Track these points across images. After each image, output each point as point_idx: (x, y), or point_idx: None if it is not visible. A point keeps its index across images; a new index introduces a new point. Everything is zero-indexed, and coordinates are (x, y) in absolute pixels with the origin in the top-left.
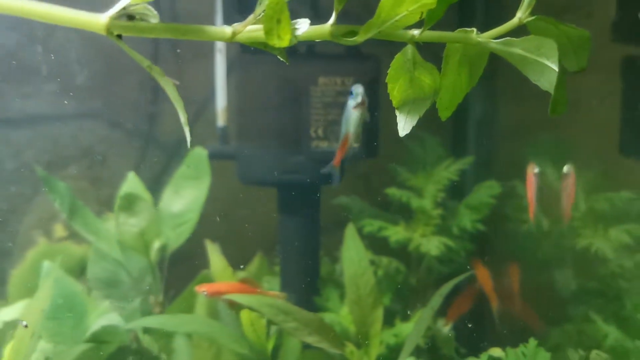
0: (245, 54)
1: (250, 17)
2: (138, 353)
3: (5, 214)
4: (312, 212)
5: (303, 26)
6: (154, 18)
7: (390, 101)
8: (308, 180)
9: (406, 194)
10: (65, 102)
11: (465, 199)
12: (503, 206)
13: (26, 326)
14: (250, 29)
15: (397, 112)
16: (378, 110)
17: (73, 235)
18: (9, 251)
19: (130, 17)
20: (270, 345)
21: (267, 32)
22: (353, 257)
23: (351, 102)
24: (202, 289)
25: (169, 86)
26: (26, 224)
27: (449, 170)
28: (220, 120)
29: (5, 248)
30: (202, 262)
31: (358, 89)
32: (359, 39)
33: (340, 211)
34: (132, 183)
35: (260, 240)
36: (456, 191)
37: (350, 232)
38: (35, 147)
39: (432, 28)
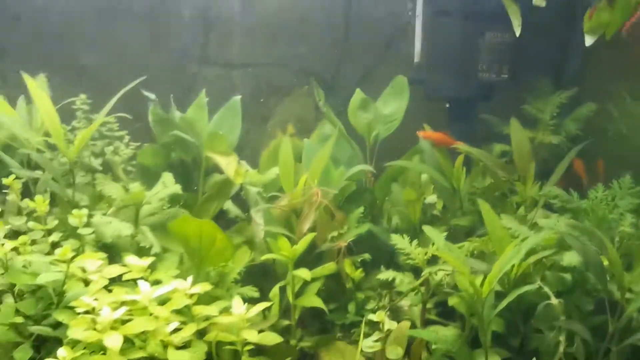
0: (436, 17)
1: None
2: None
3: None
4: (472, 120)
5: None
6: None
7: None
8: (472, 98)
9: (532, 110)
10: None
11: (571, 114)
12: (595, 121)
13: None
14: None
15: (586, 34)
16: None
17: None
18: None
19: None
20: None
21: None
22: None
23: None
24: (421, 134)
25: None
26: (270, 125)
27: (560, 97)
28: (416, 58)
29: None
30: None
31: None
32: None
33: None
34: (360, 95)
35: None
36: (566, 110)
37: (514, 121)
38: (249, 83)
39: None
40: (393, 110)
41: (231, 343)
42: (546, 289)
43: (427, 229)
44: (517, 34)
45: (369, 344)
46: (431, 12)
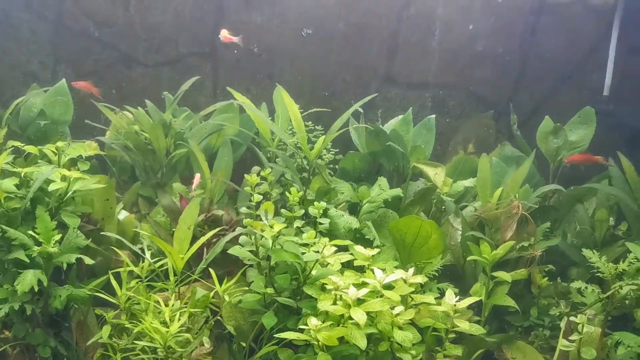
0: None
1: None
2: (555, 210)
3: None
4: None
5: None
6: None
7: None
8: None
9: None
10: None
11: None
12: None
13: None
14: None
15: None
16: None
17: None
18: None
19: None
20: None
21: None
22: None
23: None
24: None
25: None
26: (452, 143)
27: None
28: (605, 91)
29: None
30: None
31: None
32: None
33: None
34: (549, 122)
35: None
36: None
37: None
38: (424, 102)
39: None
40: (579, 138)
41: (434, 329)
42: None
43: (631, 246)
44: None
45: (565, 343)
46: (623, 51)
